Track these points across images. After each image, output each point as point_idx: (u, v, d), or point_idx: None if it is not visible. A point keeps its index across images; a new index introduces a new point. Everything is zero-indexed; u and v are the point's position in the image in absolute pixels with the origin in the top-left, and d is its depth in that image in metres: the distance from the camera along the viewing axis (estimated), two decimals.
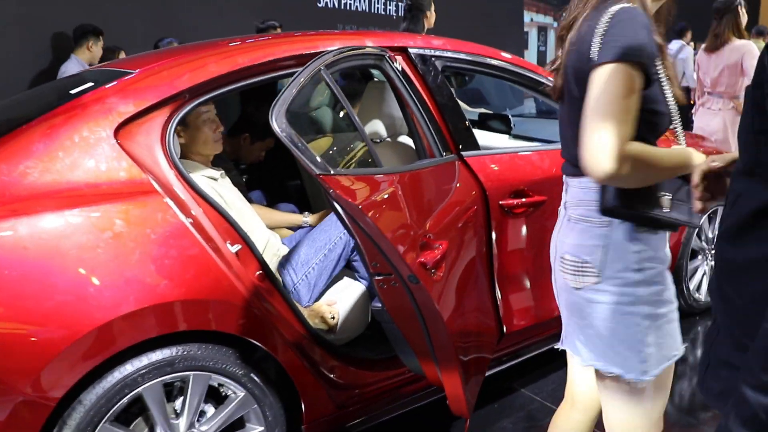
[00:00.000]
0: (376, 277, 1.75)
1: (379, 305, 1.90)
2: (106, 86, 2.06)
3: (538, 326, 2.83)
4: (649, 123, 1.47)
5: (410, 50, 2.53)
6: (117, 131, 1.96)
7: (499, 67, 2.80)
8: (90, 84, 2.11)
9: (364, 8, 9.16)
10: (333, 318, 2.43)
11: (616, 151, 1.32)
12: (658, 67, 1.47)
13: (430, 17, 4.72)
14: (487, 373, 2.54)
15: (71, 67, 4.87)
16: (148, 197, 1.92)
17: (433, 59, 2.58)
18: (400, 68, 2.41)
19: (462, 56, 2.70)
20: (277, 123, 1.46)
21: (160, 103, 2.04)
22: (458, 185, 2.34)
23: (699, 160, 1.44)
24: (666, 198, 1.49)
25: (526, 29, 14.99)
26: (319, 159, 1.55)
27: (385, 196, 1.76)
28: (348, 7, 8.84)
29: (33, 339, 1.70)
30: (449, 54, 2.66)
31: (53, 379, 1.72)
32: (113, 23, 5.71)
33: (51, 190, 1.84)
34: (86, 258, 1.78)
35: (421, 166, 2.09)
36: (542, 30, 17.29)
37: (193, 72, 2.11)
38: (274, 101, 1.53)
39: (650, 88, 1.44)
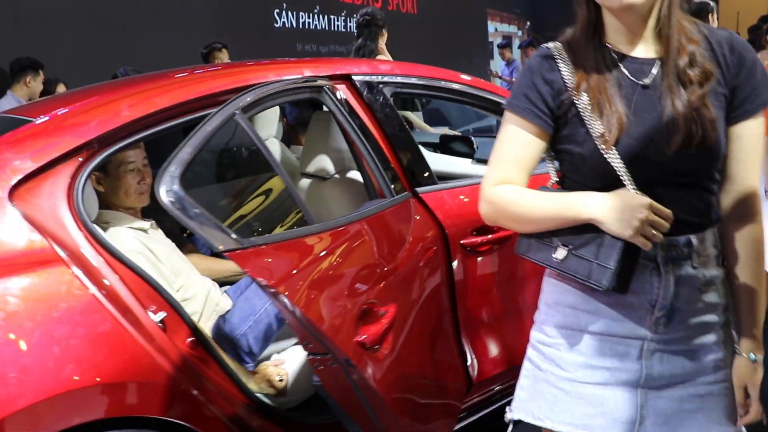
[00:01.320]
0: (310, 357, 1.49)
1: (318, 381, 1.64)
2: (1, 138, 1.80)
3: (511, 371, 2.59)
4: (569, 163, 1.40)
5: (354, 78, 2.30)
6: (12, 192, 1.69)
7: (455, 90, 2.57)
8: None
9: (323, 26, 8.95)
10: (281, 380, 2.17)
11: (482, 192, 1.42)
12: (564, 108, 1.36)
13: (385, 35, 4.49)
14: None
15: (5, 104, 4.57)
16: (51, 267, 1.65)
17: (380, 86, 2.34)
18: (342, 99, 2.18)
19: (413, 81, 2.47)
20: (166, 194, 1.20)
21: (64, 156, 1.77)
22: (413, 227, 2.10)
23: (591, 212, 1.30)
24: (560, 249, 1.36)
25: (490, 39, 14.91)
26: (222, 232, 1.29)
27: (315, 265, 1.50)
28: (306, 26, 8.61)
29: None
30: (399, 79, 2.43)
31: None
32: (61, 51, 5.42)
33: None
34: None
35: (364, 214, 1.84)
36: (507, 39, 17.25)
37: (103, 118, 1.84)
38: (165, 163, 1.27)
39: (565, 128, 1.37)
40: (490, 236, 2.36)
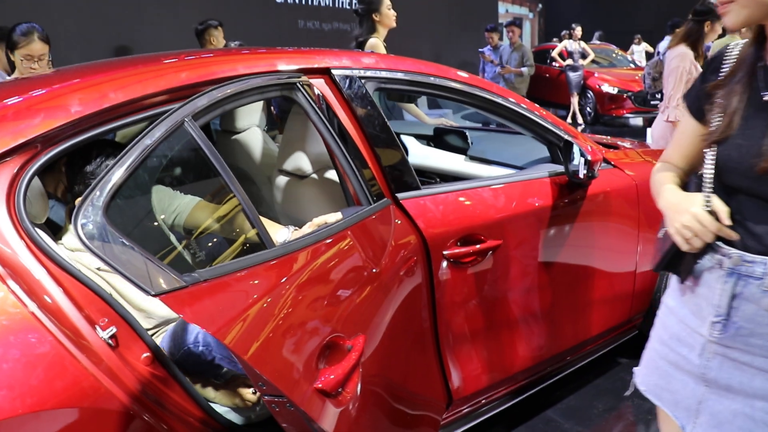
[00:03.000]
0: (265, 398, 1.33)
1: None
2: None
3: (495, 385, 2.45)
4: None
5: (334, 72, 2.12)
6: None
7: (443, 86, 2.39)
8: None
9: (327, 3, 8.69)
10: (254, 392, 2.02)
11: None
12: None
13: (384, 18, 4.24)
14: None
15: None
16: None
17: (363, 81, 2.17)
18: (319, 95, 2.01)
19: (399, 75, 2.29)
20: (82, 228, 1.03)
21: (4, 154, 1.61)
22: (391, 238, 1.94)
23: (659, 202, 1.52)
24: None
25: (501, 21, 14.63)
26: (156, 268, 1.12)
27: (269, 302, 1.33)
28: (309, 2, 8.36)
29: None
30: (384, 74, 2.25)
31: None
32: (48, 23, 5.21)
33: None
34: None
35: (334, 230, 1.67)
36: (517, 21, 16.93)
37: (49, 113, 1.68)
38: (87, 191, 1.10)
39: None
40: (476, 246, 2.20)
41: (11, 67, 3.93)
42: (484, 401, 2.47)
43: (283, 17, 7.76)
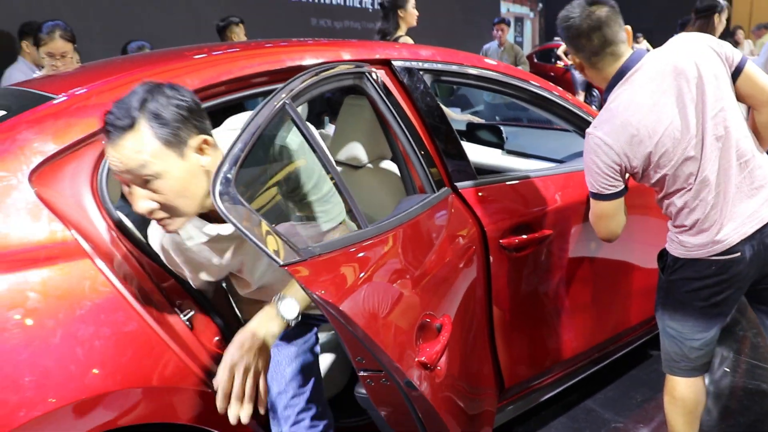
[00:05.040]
0: (362, 373, 1.37)
1: (364, 392, 1.52)
2: (22, 115, 1.66)
3: (543, 373, 2.49)
4: None
5: (394, 63, 2.16)
6: (32, 175, 1.56)
7: (493, 79, 2.43)
8: (2, 112, 1.71)
9: (338, 1, 8.72)
10: None
11: None
12: None
13: (408, 16, 4.30)
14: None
15: (16, 73, 4.38)
16: (73, 261, 1.53)
17: (421, 73, 2.20)
18: (382, 85, 2.04)
19: (453, 68, 2.33)
20: (220, 195, 1.07)
21: (88, 137, 1.64)
22: (454, 227, 1.98)
23: None
24: None
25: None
26: (281, 242, 1.16)
27: (372, 276, 1.38)
28: (322, 1, 8.39)
29: None
30: (439, 66, 2.29)
31: None
32: (71, 20, 5.23)
33: None
34: None
35: (411, 215, 1.71)
36: (519, 21, 16.98)
37: None
38: (220, 163, 1.14)
39: None
40: (527, 236, 2.24)
41: None
42: (532, 389, 2.50)
43: (295, 15, 7.80)
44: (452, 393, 1.68)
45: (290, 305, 1.51)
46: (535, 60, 12.26)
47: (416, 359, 1.41)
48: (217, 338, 1.74)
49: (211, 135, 1.44)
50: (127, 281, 1.57)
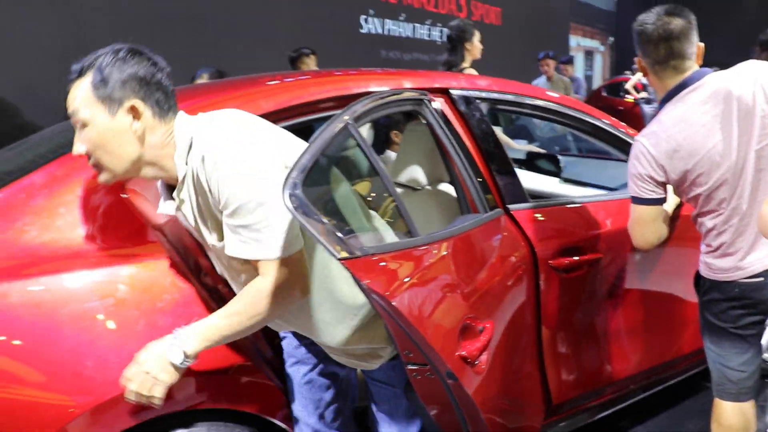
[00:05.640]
0: (409, 367, 1.51)
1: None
2: None
3: (591, 394, 2.56)
4: None
5: (452, 92, 2.31)
6: (125, 186, 1.77)
7: (547, 108, 2.55)
8: None
9: (408, 34, 8.99)
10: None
11: None
12: None
13: (473, 49, 4.47)
14: None
15: None
16: (156, 259, 1.72)
17: (477, 101, 2.35)
18: (440, 111, 2.19)
19: (509, 97, 2.47)
20: (289, 196, 1.24)
21: None
22: (504, 245, 2.10)
23: None
24: None
25: (572, 53, 14.73)
26: (341, 239, 1.32)
27: (422, 276, 1.53)
28: (391, 33, 8.68)
29: (23, 422, 1.51)
30: (495, 96, 2.43)
31: None
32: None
33: (49, 250, 1.66)
34: (85, 328, 1.59)
35: (462, 229, 1.84)
36: (589, 54, 16.98)
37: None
38: (290, 169, 1.31)
39: None
40: (576, 258, 2.33)
41: None
42: (578, 409, 2.57)
43: (366, 47, 8.09)
44: (495, 396, 1.79)
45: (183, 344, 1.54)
46: (604, 93, 12.17)
47: (457, 353, 1.55)
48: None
49: (155, 106, 1.51)
50: (201, 279, 1.76)
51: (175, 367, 1.53)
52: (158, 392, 1.52)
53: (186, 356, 1.53)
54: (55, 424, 1.52)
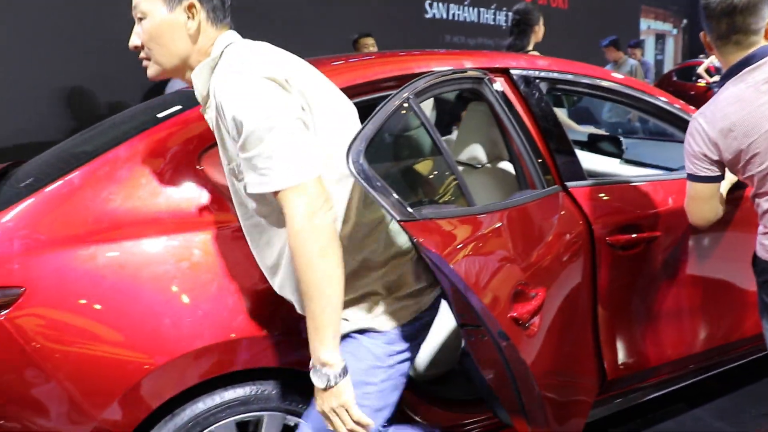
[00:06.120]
0: (464, 329, 1.59)
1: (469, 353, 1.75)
2: (193, 109, 2.01)
3: (646, 372, 2.58)
4: None
5: (512, 72, 2.35)
6: (200, 157, 1.90)
7: (609, 88, 2.57)
8: (177, 107, 2.07)
9: (472, 19, 8.98)
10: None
11: None
12: None
13: (539, 32, 4.49)
14: (590, 419, 2.35)
15: (176, 84, 4.95)
16: (230, 226, 1.84)
17: (537, 81, 2.39)
18: (500, 91, 2.24)
19: (569, 77, 2.49)
20: (353, 161, 1.34)
21: None
22: (561, 220, 2.14)
23: None
24: None
25: (642, 37, 14.37)
26: (400, 202, 1.41)
27: (477, 241, 1.61)
28: (456, 18, 8.69)
29: (106, 371, 1.66)
30: (555, 75, 2.46)
31: (124, 411, 1.67)
32: None
33: (132, 217, 1.80)
34: (162, 289, 1.72)
35: (520, 202, 1.91)
36: (660, 38, 16.50)
37: None
38: (353, 137, 1.41)
39: None
40: (634, 235, 2.35)
41: None
42: (634, 387, 2.59)
43: (431, 32, 8.13)
44: (548, 366, 1.85)
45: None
46: (674, 78, 11.87)
47: (509, 315, 1.62)
48: None
49: (211, 12, 1.56)
50: None
51: (340, 383, 1.45)
52: (354, 414, 1.47)
53: (340, 371, 1.45)
54: (132, 378, 1.66)
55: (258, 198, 1.53)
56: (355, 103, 2.06)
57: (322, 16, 6.83)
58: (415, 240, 1.43)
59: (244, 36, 1.66)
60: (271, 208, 1.53)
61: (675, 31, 16.63)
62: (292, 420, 1.89)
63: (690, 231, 2.51)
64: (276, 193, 1.41)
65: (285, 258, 1.58)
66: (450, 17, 8.56)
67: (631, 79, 2.70)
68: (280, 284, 1.66)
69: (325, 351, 1.43)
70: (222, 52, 1.56)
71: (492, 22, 9.29)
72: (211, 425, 1.78)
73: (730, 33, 1.94)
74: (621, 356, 2.44)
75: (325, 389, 1.45)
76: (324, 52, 2.82)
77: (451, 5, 8.54)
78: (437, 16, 8.38)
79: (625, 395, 2.58)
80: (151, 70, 1.61)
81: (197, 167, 1.88)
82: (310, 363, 1.46)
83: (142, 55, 1.61)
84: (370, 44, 5.71)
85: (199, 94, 1.61)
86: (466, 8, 8.79)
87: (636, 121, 6.21)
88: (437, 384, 2.31)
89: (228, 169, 1.59)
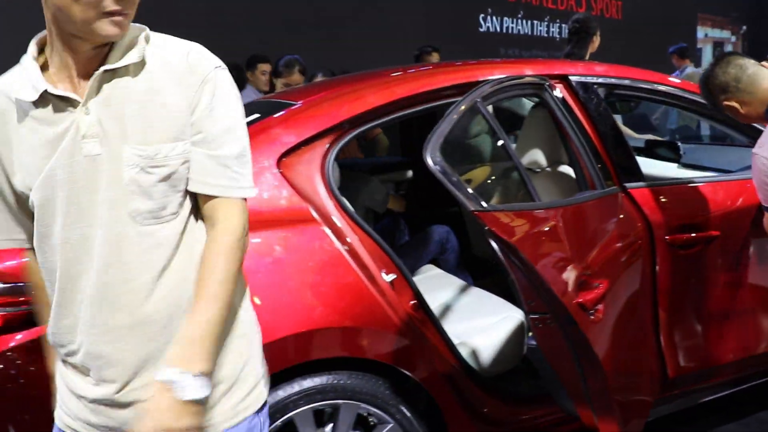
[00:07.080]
0: (531, 316, 1.69)
1: (534, 343, 1.84)
2: (271, 117, 2.17)
3: (707, 372, 2.61)
4: None
5: (571, 78, 2.45)
6: (279, 161, 2.04)
7: (666, 93, 2.64)
8: (256, 115, 2.23)
9: (526, 32, 9.06)
10: None
11: None
12: None
13: (596, 41, 4.56)
14: (651, 417, 2.41)
15: (246, 95, 5.17)
16: (307, 225, 1.98)
17: (595, 87, 2.48)
18: (560, 97, 2.34)
19: (626, 82, 2.58)
20: (431, 157, 1.47)
21: (320, 133, 2.10)
22: (621, 219, 2.22)
23: None
24: None
25: (699, 45, 14.16)
26: (473, 194, 1.53)
27: (543, 233, 1.72)
28: (510, 31, 8.78)
29: None
30: (613, 81, 2.55)
31: None
32: (275, 52, 6.02)
33: None
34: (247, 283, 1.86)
35: (581, 200, 2.00)
36: (718, 45, 16.22)
37: (352, 103, 2.16)
38: (429, 135, 1.53)
39: None
40: (693, 234, 2.41)
41: (270, 88, 4.68)
42: (694, 387, 2.63)
43: (486, 45, 8.24)
44: (612, 358, 1.92)
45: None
46: None
47: (575, 301, 1.71)
48: (413, 302, 2.11)
49: None
50: (345, 245, 2.00)
51: (195, 403, 1.18)
52: None
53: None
54: None
55: (171, 197, 1.25)
56: (420, 110, 2.21)
57: (380, 33, 7.03)
58: (487, 228, 1.54)
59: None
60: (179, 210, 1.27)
61: (734, 38, 16.33)
62: (365, 409, 2.01)
63: (750, 231, 2.55)
64: (211, 198, 1.25)
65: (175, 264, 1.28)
66: (504, 30, 8.67)
67: (688, 83, 2.76)
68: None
69: (207, 360, 1.21)
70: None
71: (546, 35, 9.35)
72: (290, 412, 1.90)
73: None
74: (681, 354, 2.49)
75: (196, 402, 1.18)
76: (386, 65, 2.96)
77: (505, 18, 8.64)
78: (491, 29, 8.50)
79: (687, 395, 2.62)
80: (125, 23, 1.17)
81: (276, 170, 2.03)
82: (174, 370, 1.16)
83: (119, 6, 1.15)
84: (434, 61, 5.82)
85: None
86: (519, 21, 8.88)
87: (694, 128, 6.19)
88: (502, 380, 2.40)
89: (141, 158, 1.20)
